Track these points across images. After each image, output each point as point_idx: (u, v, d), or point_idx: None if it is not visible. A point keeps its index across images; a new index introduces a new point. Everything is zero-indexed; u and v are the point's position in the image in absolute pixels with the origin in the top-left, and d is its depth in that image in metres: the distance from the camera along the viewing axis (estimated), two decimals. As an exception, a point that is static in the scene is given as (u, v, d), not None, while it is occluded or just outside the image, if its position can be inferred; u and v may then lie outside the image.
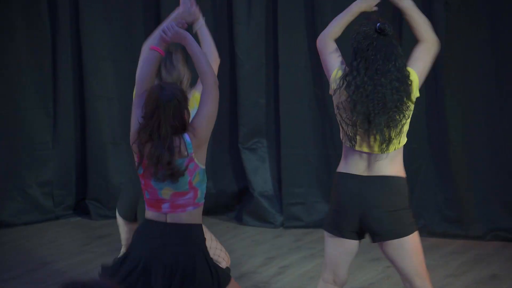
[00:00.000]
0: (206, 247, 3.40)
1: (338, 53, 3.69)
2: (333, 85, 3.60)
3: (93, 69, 6.75)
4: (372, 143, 3.54)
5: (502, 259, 5.57)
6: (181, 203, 3.33)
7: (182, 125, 3.31)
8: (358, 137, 3.53)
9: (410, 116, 3.60)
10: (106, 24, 6.73)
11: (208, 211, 6.82)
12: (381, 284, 5.06)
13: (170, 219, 3.34)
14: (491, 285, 5.08)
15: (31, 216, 6.70)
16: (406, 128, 3.60)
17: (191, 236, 3.35)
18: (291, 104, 6.44)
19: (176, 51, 4.03)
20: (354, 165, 3.60)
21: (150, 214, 3.37)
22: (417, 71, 3.59)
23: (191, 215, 3.35)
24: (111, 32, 6.74)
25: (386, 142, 3.52)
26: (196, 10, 3.87)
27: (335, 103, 3.60)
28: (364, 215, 3.58)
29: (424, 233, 5.98)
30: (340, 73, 3.58)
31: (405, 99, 3.52)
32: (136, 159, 3.35)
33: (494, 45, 5.84)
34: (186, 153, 3.28)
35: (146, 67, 3.47)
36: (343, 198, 3.62)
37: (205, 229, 4.12)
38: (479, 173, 5.97)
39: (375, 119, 3.49)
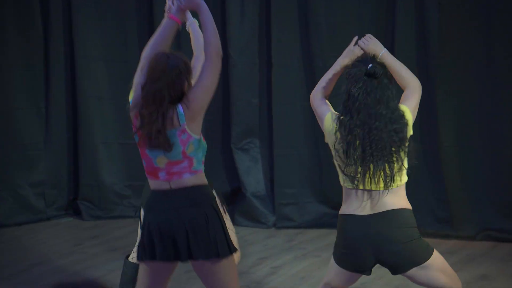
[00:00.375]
0: (217, 205, 3.43)
1: (328, 106, 3.68)
2: (327, 132, 3.60)
3: (85, 70, 6.76)
4: (376, 180, 3.50)
5: (492, 259, 5.59)
6: (176, 170, 3.35)
7: (179, 96, 3.32)
8: (359, 176, 3.50)
9: (407, 153, 3.59)
10: (99, 25, 6.74)
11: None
12: (374, 284, 5.05)
13: (174, 185, 3.37)
14: (481, 285, 5.05)
15: (23, 216, 6.71)
16: (405, 164, 3.57)
17: (199, 196, 3.38)
18: (284, 105, 6.45)
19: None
20: (357, 206, 3.56)
21: (152, 183, 3.41)
22: (410, 109, 3.58)
23: (191, 179, 3.37)
24: (104, 33, 6.74)
25: (389, 178, 3.50)
26: None
27: (332, 147, 3.59)
28: (379, 252, 3.55)
29: (417, 233, 6.15)
30: (333, 116, 3.59)
31: (405, 140, 3.52)
32: (133, 127, 3.37)
33: (487, 45, 5.85)
34: (178, 124, 3.29)
35: (161, 33, 3.49)
36: (352, 242, 3.58)
37: (230, 223, 4.18)
38: (470, 174, 5.99)
39: (373, 160, 3.47)
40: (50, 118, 6.85)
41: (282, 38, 6.42)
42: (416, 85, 3.63)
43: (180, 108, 3.30)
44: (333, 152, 3.56)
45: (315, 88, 3.74)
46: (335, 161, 3.57)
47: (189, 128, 3.32)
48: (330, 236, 6.13)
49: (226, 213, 4.22)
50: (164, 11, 3.89)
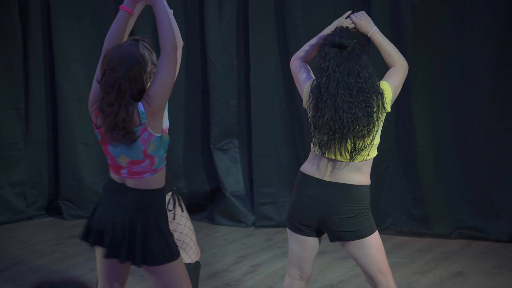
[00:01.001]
0: (162, 213, 3.40)
1: (308, 71, 3.74)
2: (304, 100, 3.65)
3: (64, 71, 6.74)
4: (342, 151, 3.56)
5: (466, 256, 5.62)
6: (138, 170, 3.32)
7: (139, 92, 3.27)
8: (326, 145, 3.55)
9: (380, 129, 3.63)
10: (77, 26, 6.71)
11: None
12: (351, 282, 5.12)
13: (128, 183, 3.36)
14: (456, 282, 5.10)
15: (3, 216, 6.68)
16: (376, 141, 3.62)
17: (147, 200, 3.35)
18: (262, 105, 6.46)
19: (142, 40, 3.95)
20: (319, 169, 3.62)
21: (113, 175, 3.41)
22: (392, 86, 3.63)
23: (149, 181, 3.34)
24: (82, 34, 6.72)
25: (355, 151, 3.55)
26: None
27: (309, 115, 3.64)
28: (323, 219, 3.61)
29: (392, 232, 6.13)
30: (312, 84, 3.64)
31: (374, 110, 3.54)
32: (93, 124, 3.33)
33: (459, 47, 5.88)
34: (139, 122, 3.24)
35: (115, 26, 3.39)
36: (304, 199, 3.65)
37: (187, 221, 4.09)
38: (445, 174, 6.02)
39: (342, 131, 3.52)
40: (30, 119, 6.82)
41: (260, 40, 6.42)
42: (403, 64, 3.68)
43: (140, 106, 3.24)
44: (310, 120, 3.62)
45: (297, 52, 3.78)
46: (310, 127, 3.62)
47: (150, 126, 3.26)
48: None
49: (184, 210, 4.17)
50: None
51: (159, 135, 3.30)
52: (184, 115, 6.82)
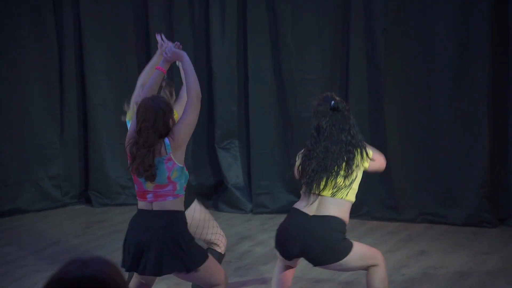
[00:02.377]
0: (184, 230, 3.41)
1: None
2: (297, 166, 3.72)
3: (92, 82, 6.76)
4: (327, 189, 3.61)
5: (429, 238, 5.62)
6: (162, 193, 3.37)
7: (166, 131, 3.37)
8: (316, 186, 3.61)
9: (359, 179, 3.67)
10: (104, 44, 6.74)
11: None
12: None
13: (155, 207, 3.41)
14: (419, 259, 5.07)
15: (42, 204, 6.71)
16: (354, 186, 3.66)
17: (172, 220, 3.38)
18: (259, 111, 6.46)
19: (165, 87, 4.07)
20: (306, 205, 3.66)
21: (140, 204, 3.45)
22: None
23: (172, 204, 3.38)
24: (108, 51, 6.74)
25: (336, 189, 3.60)
26: (171, 47, 3.67)
27: (296, 164, 3.71)
28: (304, 246, 3.62)
29: (367, 218, 6.14)
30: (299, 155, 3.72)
31: (356, 159, 3.61)
32: (128, 159, 3.42)
33: (424, 62, 5.89)
34: (165, 153, 3.33)
35: (151, 83, 3.55)
36: (287, 228, 3.68)
37: (207, 215, 4.16)
38: (411, 169, 6.03)
39: (325, 170, 3.58)
40: (64, 123, 6.84)
41: (257, 55, 6.43)
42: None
43: (166, 140, 3.34)
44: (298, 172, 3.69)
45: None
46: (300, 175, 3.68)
47: (174, 156, 3.35)
48: None
49: (207, 210, 4.25)
50: (156, 34, 3.99)
51: (181, 165, 3.39)
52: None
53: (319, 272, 4.64)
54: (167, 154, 3.34)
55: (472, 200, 5.83)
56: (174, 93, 4.15)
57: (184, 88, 3.78)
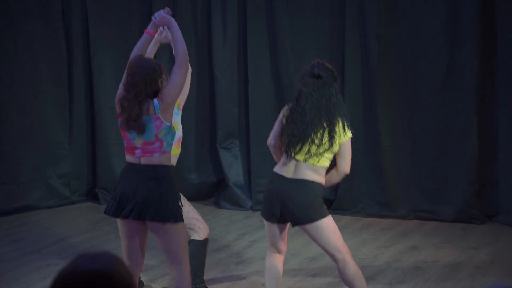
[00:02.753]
0: (170, 184, 3.42)
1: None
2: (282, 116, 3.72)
3: (100, 85, 6.75)
4: (300, 153, 3.61)
5: (420, 233, 5.62)
6: (149, 149, 3.39)
7: (155, 91, 3.38)
8: (292, 149, 3.61)
9: (333, 150, 3.62)
10: (111, 49, 6.72)
11: (192, 198, 6.86)
12: (374, 262, 4.99)
13: (142, 161, 3.43)
14: (412, 254, 5.09)
15: (52, 201, 6.70)
16: (328, 155, 3.63)
17: (158, 173, 3.40)
18: (258, 113, 6.45)
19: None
20: (283, 168, 3.66)
21: (128, 158, 3.47)
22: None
23: (158, 159, 3.41)
24: (115, 56, 6.71)
25: (308, 155, 3.60)
26: (161, 12, 3.61)
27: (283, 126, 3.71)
28: (284, 207, 3.63)
29: (362, 214, 6.13)
30: (283, 109, 3.71)
31: (335, 129, 3.58)
32: (117, 115, 3.44)
33: (415, 67, 5.90)
34: (154, 112, 3.35)
35: (139, 44, 3.57)
36: (269, 193, 3.70)
37: (185, 201, 4.07)
38: (403, 167, 6.03)
39: (301, 135, 3.58)
40: (73, 124, 6.83)
41: (256, 60, 6.43)
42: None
43: (155, 101, 3.35)
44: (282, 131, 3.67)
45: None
46: (282, 136, 3.66)
47: (162, 116, 3.37)
48: None
49: (185, 200, 4.18)
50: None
51: (169, 124, 3.41)
52: (196, 121, 6.82)
53: (316, 267, 4.63)
54: (155, 114, 3.36)
55: (462, 198, 5.84)
56: (167, 77, 4.13)
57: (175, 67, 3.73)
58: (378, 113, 6.01)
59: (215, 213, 6.46)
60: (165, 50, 6.27)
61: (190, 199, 7.11)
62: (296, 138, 3.59)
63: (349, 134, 3.67)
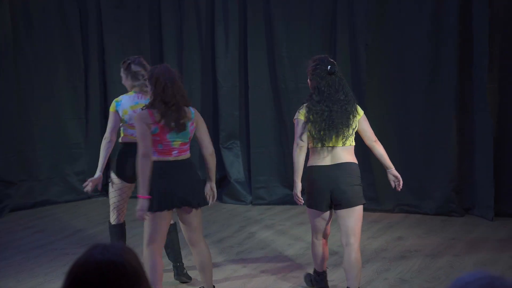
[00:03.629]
0: (198, 175, 3.72)
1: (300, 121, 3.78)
2: (303, 117, 3.72)
3: (113, 91, 6.69)
4: (336, 140, 3.67)
5: (405, 225, 5.65)
6: (184, 149, 3.62)
7: (187, 98, 3.60)
8: (325, 138, 3.66)
9: (355, 128, 3.75)
10: (123, 59, 6.60)
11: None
12: (363, 251, 4.98)
13: (181, 158, 3.62)
14: (397, 244, 5.10)
15: (69, 196, 6.73)
16: (353, 134, 3.75)
17: (192, 164, 3.70)
18: (257, 115, 6.46)
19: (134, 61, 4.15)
20: (321, 159, 3.68)
21: (165, 158, 3.57)
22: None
23: (187, 154, 3.65)
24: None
25: (345, 138, 3.68)
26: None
27: (309, 125, 3.70)
28: (333, 191, 3.66)
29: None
30: (303, 111, 3.70)
31: (351, 114, 3.71)
32: (152, 125, 3.50)
33: (400, 74, 5.91)
34: (191, 118, 3.60)
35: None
36: (319, 183, 3.68)
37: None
38: None
39: (333, 125, 3.65)
40: (89, 125, 6.85)
41: (256, 67, 6.44)
42: None
43: (191, 109, 3.62)
44: (307, 130, 3.67)
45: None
46: (307, 134, 3.67)
47: (195, 122, 3.63)
48: (291, 211, 6.16)
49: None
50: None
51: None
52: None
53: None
54: (192, 119, 3.61)
55: (442, 193, 5.85)
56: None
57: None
58: (367, 116, 5.92)
59: (218, 207, 6.46)
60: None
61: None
62: (329, 131, 3.64)
63: (362, 111, 3.80)
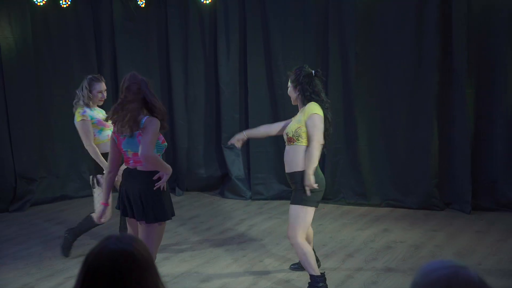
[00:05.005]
0: (152, 186, 3.26)
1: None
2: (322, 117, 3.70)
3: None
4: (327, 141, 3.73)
5: (391, 218, 5.64)
6: (139, 159, 3.26)
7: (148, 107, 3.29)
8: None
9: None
10: (133, 65, 6.68)
11: (201, 189, 6.91)
12: (352, 242, 4.95)
13: (138, 168, 3.30)
14: (384, 235, 5.10)
15: (85, 192, 6.68)
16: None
17: (146, 177, 3.26)
18: (256, 118, 6.45)
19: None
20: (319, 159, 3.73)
21: (126, 165, 3.37)
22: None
23: (144, 167, 3.27)
24: (136, 71, 6.69)
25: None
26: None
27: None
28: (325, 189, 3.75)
29: (342, 203, 6.14)
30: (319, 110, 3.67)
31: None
32: (113, 133, 3.36)
33: (386, 80, 5.90)
34: (137, 129, 3.22)
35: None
36: (323, 182, 3.70)
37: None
38: (377, 164, 6.03)
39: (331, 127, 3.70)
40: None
41: (254, 74, 6.43)
42: None
43: (143, 119, 3.23)
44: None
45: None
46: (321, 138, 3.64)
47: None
48: (287, 205, 5.89)
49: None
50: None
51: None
52: (204, 125, 6.82)
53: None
54: (138, 130, 3.22)
55: (425, 189, 5.84)
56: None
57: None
58: (357, 118, 6.01)
59: (220, 202, 6.48)
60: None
61: (199, 190, 7.17)
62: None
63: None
